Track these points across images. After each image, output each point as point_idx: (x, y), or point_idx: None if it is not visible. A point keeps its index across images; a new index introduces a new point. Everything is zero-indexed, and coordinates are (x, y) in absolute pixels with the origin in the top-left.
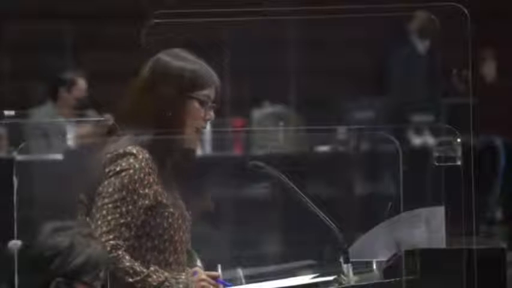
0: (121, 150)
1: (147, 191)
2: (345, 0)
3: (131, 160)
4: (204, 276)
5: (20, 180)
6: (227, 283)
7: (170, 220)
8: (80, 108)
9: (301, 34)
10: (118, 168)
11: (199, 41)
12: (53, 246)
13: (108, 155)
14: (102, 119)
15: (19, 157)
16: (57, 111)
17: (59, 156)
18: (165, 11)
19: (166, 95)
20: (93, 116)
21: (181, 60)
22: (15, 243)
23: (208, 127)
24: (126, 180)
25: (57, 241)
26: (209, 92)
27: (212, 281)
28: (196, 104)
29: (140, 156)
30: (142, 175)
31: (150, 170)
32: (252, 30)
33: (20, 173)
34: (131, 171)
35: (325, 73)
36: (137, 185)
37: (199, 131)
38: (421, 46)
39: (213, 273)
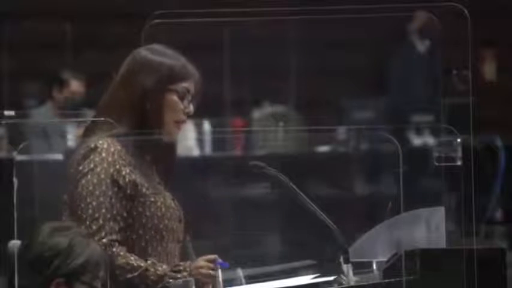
0: (92, 145)
1: (127, 180)
2: (345, 0)
3: (103, 154)
4: (202, 263)
5: (20, 180)
6: (225, 263)
7: (152, 209)
8: (70, 108)
9: (301, 34)
10: (92, 165)
11: (200, 41)
12: (53, 246)
13: (81, 151)
14: (101, 119)
15: (19, 157)
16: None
17: (59, 156)
18: (165, 11)
19: (144, 87)
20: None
21: (159, 54)
22: (15, 243)
23: (208, 127)
24: (102, 176)
25: (57, 241)
26: (188, 85)
27: (211, 265)
28: (174, 97)
29: (112, 149)
30: (117, 166)
31: (124, 162)
32: (252, 30)
33: (20, 173)
34: (105, 165)
35: (325, 73)
36: (115, 177)
37: (179, 123)
38: (421, 46)
39: (210, 256)
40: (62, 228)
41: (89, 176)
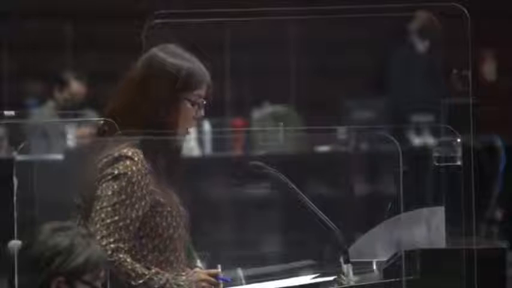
0: (116, 154)
1: (144, 191)
2: (345, 0)
3: (128, 163)
4: (203, 276)
5: (20, 180)
6: (227, 278)
7: (169, 219)
8: (71, 108)
9: (301, 34)
10: (116, 172)
11: (200, 41)
12: (53, 246)
13: (104, 159)
14: (102, 119)
15: (19, 157)
16: (54, 111)
17: (59, 156)
18: (165, 11)
19: (160, 96)
20: (92, 116)
21: (177, 57)
22: (15, 243)
23: (208, 127)
24: (124, 183)
25: (57, 241)
26: (201, 92)
27: (212, 280)
28: (188, 105)
29: (136, 159)
30: (139, 177)
31: (146, 171)
32: (252, 30)
33: (20, 173)
34: (129, 173)
35: (325, 73)
36: (135, 187)
37: (188, 129)
38: (421, 46)
39: (213, 270)
40: (63, 228)
41: (111, 182)
